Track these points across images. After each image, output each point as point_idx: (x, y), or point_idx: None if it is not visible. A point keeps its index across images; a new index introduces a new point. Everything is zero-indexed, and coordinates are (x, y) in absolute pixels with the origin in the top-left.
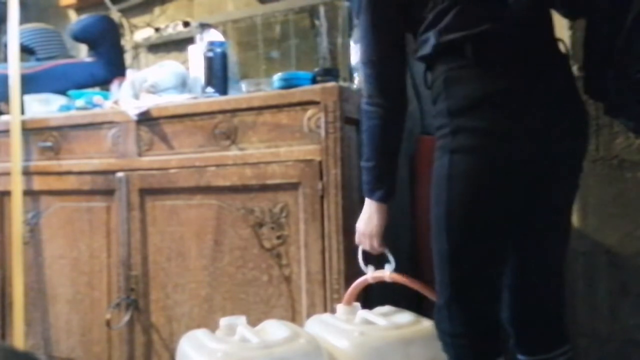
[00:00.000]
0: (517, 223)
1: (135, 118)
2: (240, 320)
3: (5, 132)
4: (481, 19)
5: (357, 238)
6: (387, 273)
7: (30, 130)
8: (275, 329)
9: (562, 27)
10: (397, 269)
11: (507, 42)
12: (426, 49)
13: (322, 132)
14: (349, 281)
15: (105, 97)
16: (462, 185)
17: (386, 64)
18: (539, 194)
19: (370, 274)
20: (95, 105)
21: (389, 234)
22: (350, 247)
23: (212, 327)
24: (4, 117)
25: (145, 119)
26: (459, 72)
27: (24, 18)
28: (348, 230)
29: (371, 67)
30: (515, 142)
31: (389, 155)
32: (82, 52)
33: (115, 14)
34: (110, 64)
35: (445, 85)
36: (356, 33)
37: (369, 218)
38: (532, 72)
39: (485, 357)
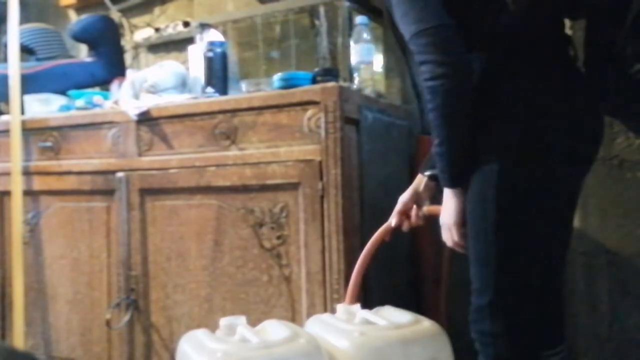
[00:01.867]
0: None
1: (135, 118)
2: (240, 320)
3: (5, 132)
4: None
5: (444, 233)
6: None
7: (30, 130)
8: (275, 329)
9: None
10: (396, 268)
11: (545, 42)
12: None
13: (322, 132)
14: (349, 281)
15: (105, 97)
16: (514, 182)
17: (442, 27)
18: (575, 191)
19: (426, 207)
20: (95, 105)
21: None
22: (350, 247)
23: (212, 327)
24: (4, 117)
25: (145, 119)
26: (513, 66)
27: (24, 18)
28: (348, 230)
29: (426, 35)
30: (564, 139)
31: (465, 134)
32: (82, 52)
33: (115, 14)
34: (110, 64)
35: (495, 78)
36: (398, 11)
37: (454, 208)
38: (571, 72)
39: (528, 355)
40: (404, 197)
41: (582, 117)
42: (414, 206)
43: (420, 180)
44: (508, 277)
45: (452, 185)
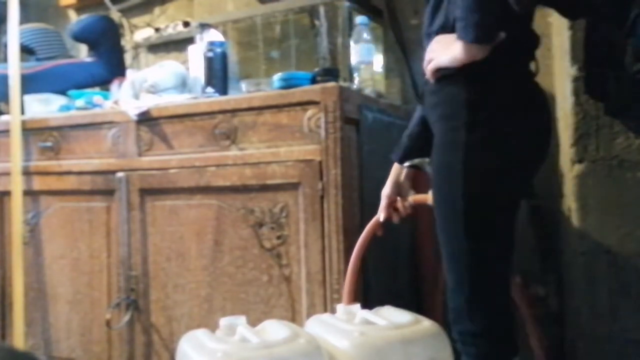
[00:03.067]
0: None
1: (135, 118)
2: (240, 320)
3: (5, 132)
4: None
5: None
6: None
7: (30, 130)
8: (275, 329)
9: (562, 27)
10: (396, 268)
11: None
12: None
13: (322, 132)
14: None
15: (105, 97)
16: (480, 181)
17: None
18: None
19: (412, 197)
20: (95, 105)
21: (388, 232)
22: (350, 247)
23: (212, 327)
24: (4, 117)
25: (145, 119)
26: (484, 65)
27: (24, 18)
28: (348, 230)
29: None
30: (526, 139)
31: None
32: (82, 52)
33: (115, 14)
34: (110, 64)
35: (466, 75)
36: None
37: (459, 57)
38: (531, 75)
39: (507, 353)
40: (386, 191)
41: (548, 118)
42: (398, 198)
43: (399, 171)
44: (482, 274)
45: (474, 37)
